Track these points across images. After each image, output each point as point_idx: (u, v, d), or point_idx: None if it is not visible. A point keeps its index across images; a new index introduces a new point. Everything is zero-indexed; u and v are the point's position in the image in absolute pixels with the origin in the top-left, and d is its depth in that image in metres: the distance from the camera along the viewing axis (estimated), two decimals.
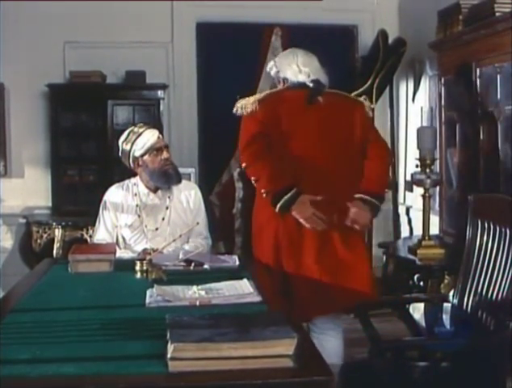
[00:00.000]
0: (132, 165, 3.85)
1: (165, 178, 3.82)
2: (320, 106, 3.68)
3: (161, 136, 3.89)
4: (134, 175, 3.93)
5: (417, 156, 4.21)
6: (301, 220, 3.46)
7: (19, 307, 2.63)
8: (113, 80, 5.95)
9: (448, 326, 3.17)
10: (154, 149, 3.79)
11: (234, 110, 3.72)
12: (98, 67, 5.81)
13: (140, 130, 3.84)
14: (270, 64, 3.89)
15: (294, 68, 3.76)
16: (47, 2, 5.73)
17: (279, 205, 3.46)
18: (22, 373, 1.88)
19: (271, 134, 3.58)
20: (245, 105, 3.67)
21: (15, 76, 5.83)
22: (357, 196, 3.54)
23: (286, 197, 3.46)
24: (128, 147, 3.81)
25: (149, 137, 3.80)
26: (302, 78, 3.72)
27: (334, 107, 3.71)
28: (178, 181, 3.87)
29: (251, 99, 3.68)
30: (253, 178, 3.58)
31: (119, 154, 3.90)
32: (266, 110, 3.61)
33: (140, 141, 3.79)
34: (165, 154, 3.82)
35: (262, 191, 3.54)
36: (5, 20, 5.75)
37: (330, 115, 3.69)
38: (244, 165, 3.63)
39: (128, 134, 3.85)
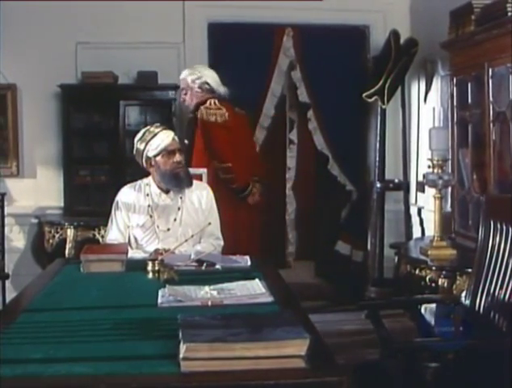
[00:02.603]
0: (144, 164, 3.86)
1: (176, 180, 3.82)
2: (239, 113, 5.04)
3: (176, 138, 3.89)
4: (147, 175, 3.93)
5: (429, 156, 4.20)
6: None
7: (32, 307, 2.65)
8: (125, 80, 5.96)
9: (460, 328, 3.16)
10: (167, 151, 3.79)
11: (199, 115, 4.86)
12: (110, 68, 5.82)
13: (156, 130, 3.85)
14: (197, 73, 4.98)
15: (217, 80, 4.97)
16: (59, 2, 5.75)
17: (241, 195, 4.93)
18: (35, 372, 1.89)
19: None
20: (217, 114, 4.85)
21: (28, 77, 5.85)
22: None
23: (245, 192, 4.96)
24: (142, 146, 3.82)
25: (164, 138, 3.81)
26: (223, 90, 4.96)
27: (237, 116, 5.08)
28: (189, 184, 3.87)
29: (218, 109, 4.86)
30: (232, 175, 4.86)
31: (134, 152, 3.91)
32: (230, 119, 4.89)
33: (155, 142, 3.79)
34: (177, 157, 3.81)
35: (235, 185, 4.92)
36: (17, 21, 5.78)
37: (243, 121, 5.13)
38: (229, 164, 4.84)
39: (144, 133, 3.86)
